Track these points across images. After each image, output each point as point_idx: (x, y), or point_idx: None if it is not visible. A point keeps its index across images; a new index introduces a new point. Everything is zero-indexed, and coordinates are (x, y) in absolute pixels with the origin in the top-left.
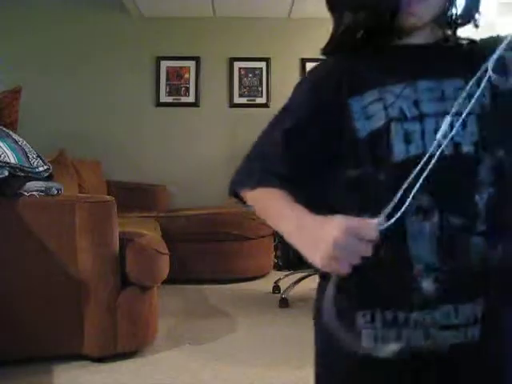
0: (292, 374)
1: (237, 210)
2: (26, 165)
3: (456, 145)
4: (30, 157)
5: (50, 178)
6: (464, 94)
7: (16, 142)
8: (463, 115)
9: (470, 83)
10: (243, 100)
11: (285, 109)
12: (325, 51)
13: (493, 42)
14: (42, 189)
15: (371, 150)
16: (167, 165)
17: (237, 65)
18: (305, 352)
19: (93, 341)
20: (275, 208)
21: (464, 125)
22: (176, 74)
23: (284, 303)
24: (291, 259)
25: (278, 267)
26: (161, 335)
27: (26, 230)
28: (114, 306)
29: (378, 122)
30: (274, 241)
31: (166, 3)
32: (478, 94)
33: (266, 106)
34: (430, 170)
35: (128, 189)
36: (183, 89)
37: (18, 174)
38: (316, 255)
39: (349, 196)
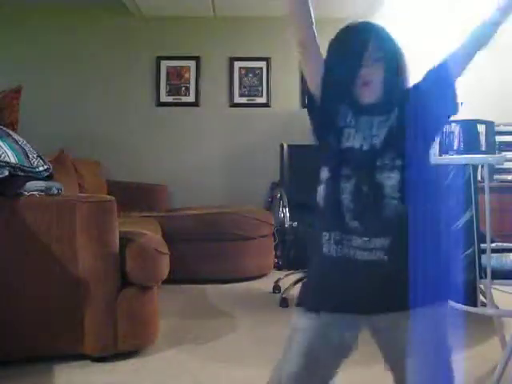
0: None
1: (237, 210)
2: (26, 164)
3: (372, 144)
4: (31, 156)
5: (50, 177)
6: (383, 123)
7: (16, 141)
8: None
9: (387, 118)
10: (243, 100)
11: None
12: None
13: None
14: (42, 188)
15: (335, 140)
16: (167, 165)
17: (237, 64)
18: None
19: (93, 340)
20: None
21: (378, 136)
22: (176, 74)
23: (284, 303)
24: (291, 259)
25: (278, 267)
26: (161, 335)
27: (26, 230)
28: (113, 305)
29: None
30: (274, 241)
31: (167, 3)
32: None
33: (266, 105)
34: (353, 154)
35: (128, 189)
36: (183, 89)
37: (18, 173)
38: None
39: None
